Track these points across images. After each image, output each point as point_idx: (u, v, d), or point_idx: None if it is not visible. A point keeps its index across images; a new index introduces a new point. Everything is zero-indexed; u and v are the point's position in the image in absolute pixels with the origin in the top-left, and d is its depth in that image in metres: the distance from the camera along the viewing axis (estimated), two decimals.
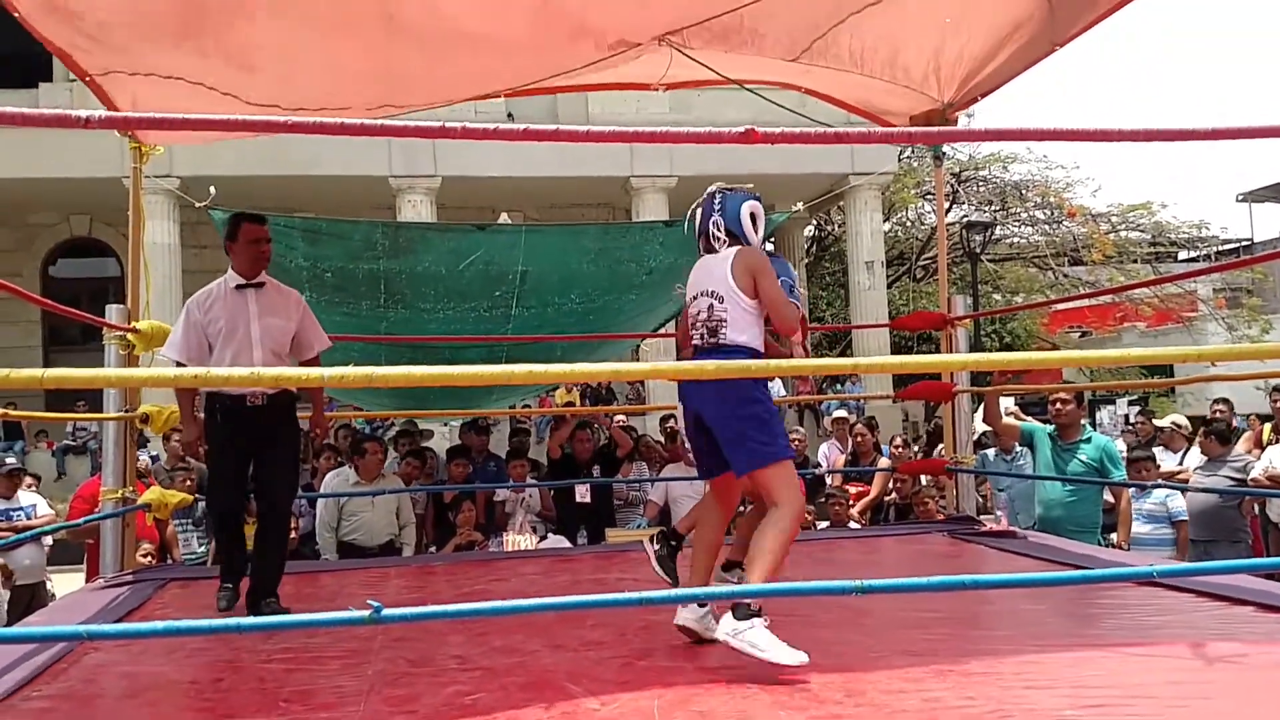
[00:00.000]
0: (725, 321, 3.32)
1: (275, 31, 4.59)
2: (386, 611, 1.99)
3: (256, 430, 4.12)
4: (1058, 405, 5.67)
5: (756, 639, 2.93)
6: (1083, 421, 5.85)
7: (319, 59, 4.83)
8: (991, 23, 5.02)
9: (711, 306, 3.35)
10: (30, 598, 6.57)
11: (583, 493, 6.97)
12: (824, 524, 6.97)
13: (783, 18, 4.87)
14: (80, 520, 5.49)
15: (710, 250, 3.43)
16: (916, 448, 9.27)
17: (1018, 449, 6.79)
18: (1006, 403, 6.68)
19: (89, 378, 2.12)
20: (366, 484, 6.40)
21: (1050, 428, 5.76)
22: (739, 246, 3.37)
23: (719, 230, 3.41)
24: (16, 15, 4.01)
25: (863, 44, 5.35)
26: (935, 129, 5.67)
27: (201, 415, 4.26)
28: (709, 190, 3.48)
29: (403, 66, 5.01)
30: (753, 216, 3.41)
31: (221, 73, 4.60)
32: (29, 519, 6.88)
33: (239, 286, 4.27)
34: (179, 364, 4.11)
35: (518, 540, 6.71)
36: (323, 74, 4.94)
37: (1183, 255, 27.11)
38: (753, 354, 3.28)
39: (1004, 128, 3.93)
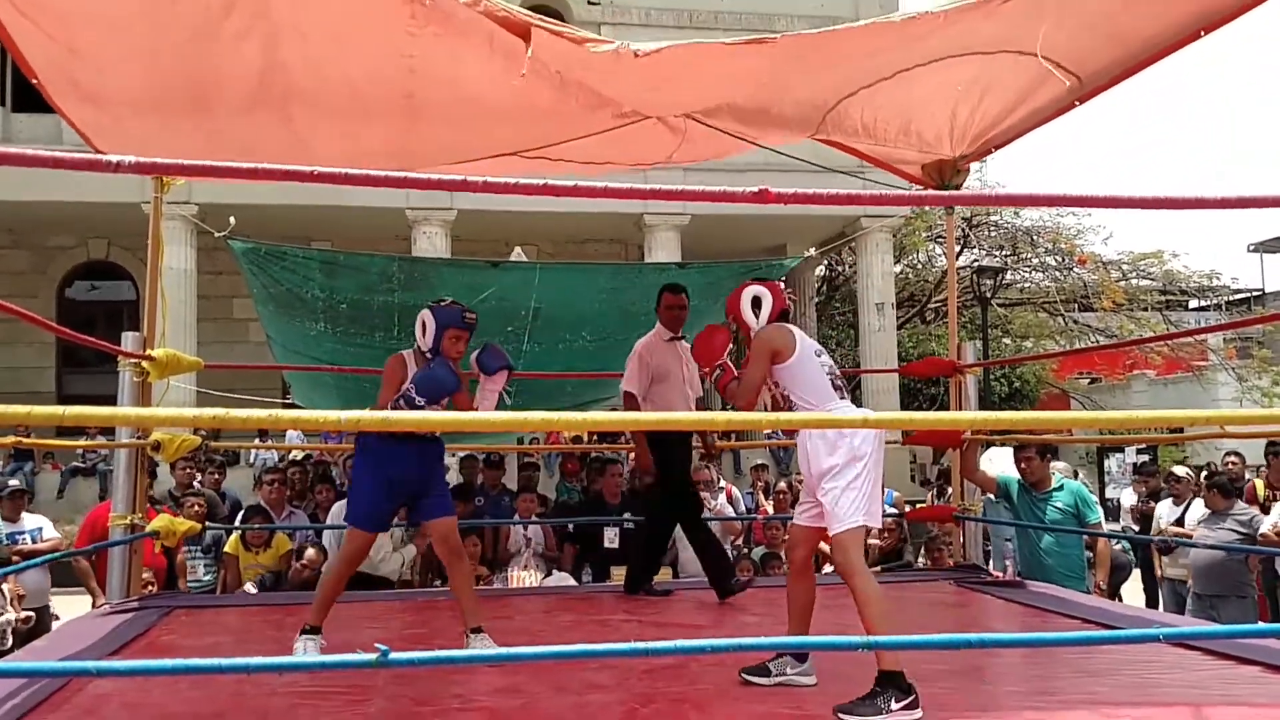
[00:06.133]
0: None
1: (292, 120, 4.69)
2: (394, 655, 2.00)
3: (685, 457, 5.38)
4: (1023, 466, 5.79)
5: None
6: (1051, 470, 5.93)
7: (338, 143, 4.91)
8: (1008, 87, 5.01)
9: None
10: (35, 622, 6.56)
11: (610, 537, 6.81)
12: (830, 568, 6.94)
13: (794, 94, 4.94)
14: (91, 547, 5.49)
15: None
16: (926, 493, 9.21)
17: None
18: (1005, 449, 6.65)
19: (108, 416, 2.15)
20: None
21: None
22: (407, 350, 4.04)
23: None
24: (35, 82, 4.13)
25: (875, 116, 5.39)
26: (947, 193, 5.68)
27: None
28: None
29: (420, 142, 5.08)
30: (423, 324, 3.95)
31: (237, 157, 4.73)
32: (34, 541, 6.84)
33: (669, 340, 5.39)
34: (631, 394, 5.27)
35: (522, 576, 6.69)
36: (340, 157, 5.03)
37: (1193, 304, 27.10)
38: (366, 444, 3.90)
39: (1016, 193, 3.95)
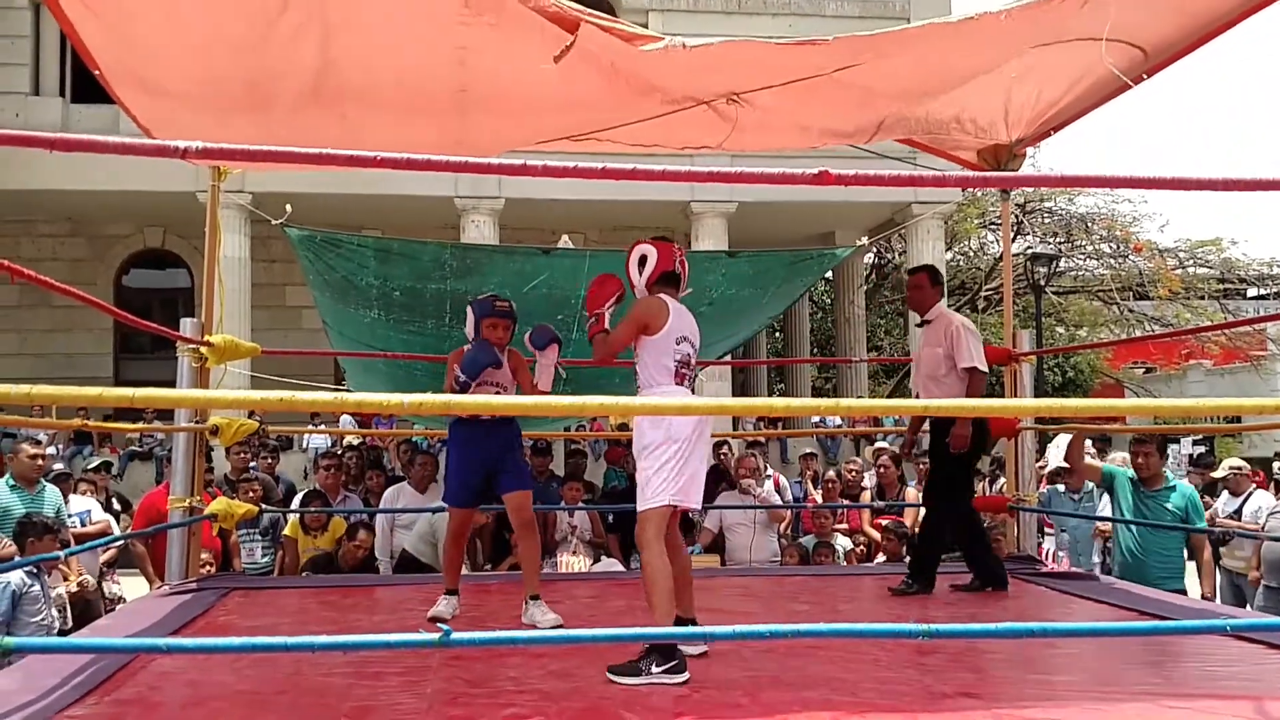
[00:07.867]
0: None
1: (345, 117, 4.73)
2: (455, 635, 2.02)
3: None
4: (1140, 460, 5.65)
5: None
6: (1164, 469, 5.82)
7: (389, 138, 4.92)
8: (1066, 67, 4.89)
9: None
10: (85, 603, 6.61)
11: None
12: (882, 558, 6.90)
13: (847, 111, 4.92)
14: (150, 529, 5.59)
15: None
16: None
17: (1089, 487, 6.75)
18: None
19: (176, 399, 2.20)
20: (421, 496, 6.52)
21: (1130, 471, 5.74)
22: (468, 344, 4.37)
23: None
24: (97, 74, 4.20)
25: (926, 113, 5.34)
26: (1009, 174, 5.58)
27: None
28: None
29: (471, 133, 5.10)
30: (467, 317, 4.42)
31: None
32: (82, 525, 6.91)
33: (917, 324, 5.40)
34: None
35: (571, 562, 6.72)
36: (392, 146, 5.04)
37: (1252, 293, 26.55)
38: (450, 429, 4.50)
39: (1079, 174, 3.86)
